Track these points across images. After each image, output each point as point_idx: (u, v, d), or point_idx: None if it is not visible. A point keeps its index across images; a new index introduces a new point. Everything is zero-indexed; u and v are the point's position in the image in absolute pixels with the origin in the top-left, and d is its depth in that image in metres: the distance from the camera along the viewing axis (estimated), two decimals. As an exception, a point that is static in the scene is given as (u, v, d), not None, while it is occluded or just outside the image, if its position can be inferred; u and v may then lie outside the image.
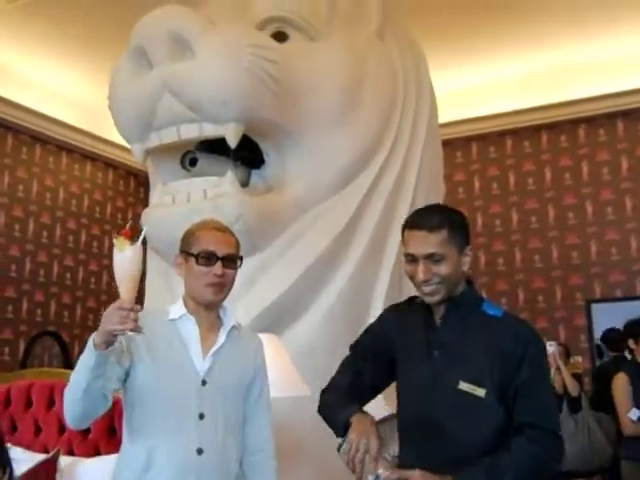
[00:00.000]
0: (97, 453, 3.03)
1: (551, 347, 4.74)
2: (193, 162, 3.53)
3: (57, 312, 7.35)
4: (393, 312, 2.09)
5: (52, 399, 3.22)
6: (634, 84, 6.53)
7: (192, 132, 3.24)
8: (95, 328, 1.78)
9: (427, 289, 1.85)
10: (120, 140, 3.62)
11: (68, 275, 7.54)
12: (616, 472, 4.27)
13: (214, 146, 3.44)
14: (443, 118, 4.51)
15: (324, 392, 1.98)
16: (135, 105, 3.26)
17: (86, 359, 1.79)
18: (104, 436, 3.03)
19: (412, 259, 1.86)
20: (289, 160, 3.45)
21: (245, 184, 3.49)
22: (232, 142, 3.19)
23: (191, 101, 3.13)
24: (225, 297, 2.09)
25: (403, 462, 1.90)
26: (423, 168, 3.86)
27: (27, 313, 7.03)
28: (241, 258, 2.10)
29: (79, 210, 7.75)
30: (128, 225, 1.89)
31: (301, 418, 2.79)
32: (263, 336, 2.33)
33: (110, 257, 1.85)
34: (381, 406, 2.51)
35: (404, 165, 3.76)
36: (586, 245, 6.83)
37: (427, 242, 1.83)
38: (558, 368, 4.71)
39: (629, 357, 4.56)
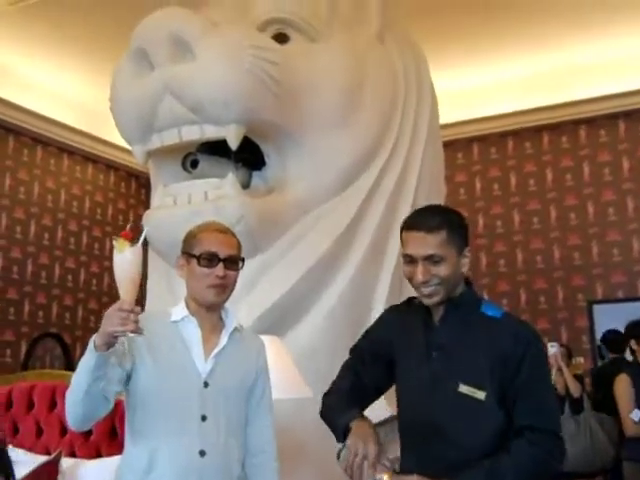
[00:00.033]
0: (98, 455, 3.03)
1: (553, 348, 4.74)
2: (194, 164, 3.53)
3: (59, 314, 7.35)
4: (392, 313, 2.09)
5: (54, 401, 3.22)
6: (636, 85, 6.53)
7: (193, 134, 3.25)
8: (97, 330, 1.78)
9: (426, 290, 1.84)
10: (121, 142, 3.62)
11: (70, 277, 7.54)
12: (618, 473, 4.27)
13: (215, 148, 3.45)
14: (444, 119, 4.51)
15: (325, 396, 1.98)
16: (136, 107, 3.26)
17: (87, 361, 1.79)
18: (105, 438, 3.04)
19: (411, 260, 1.85)
20: (290, 161, 3.45)
21: (246, 186, 3.49)
22: (233, 144, 3.20)
23: (192, 103, 3.14)
24: (227, 299, 2.09)
25: (403, 465, 1.90)
26: (424, 169, 3.85)
27: (29, 315, 7.03)
28: (243, 260, 2.11)
29: (80, 212, 7.75)
30: (128, 227, 1.89)
31: (303, 420, 2.79)
32: (265, 338, 2.33)
33: (111, 259, 1.85)
34: (383, 407, 2.51)
35: (405, 166, 3.76)
36: (588, 246, 6.82)
37: (426, 243, 1.81)
38: (560, 369, 4.71)
39: (630, 358, 4.55)
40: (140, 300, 2.42)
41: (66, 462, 2.94)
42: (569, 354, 5.24)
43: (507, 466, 1.72)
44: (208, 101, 3.11)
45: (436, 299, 1.85)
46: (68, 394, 1.86)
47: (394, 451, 1.96)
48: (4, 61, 6.49)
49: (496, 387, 1.78)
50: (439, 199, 3.95)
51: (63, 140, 7.36)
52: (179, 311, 2.08)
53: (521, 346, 1.79)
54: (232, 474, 2.02)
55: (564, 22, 5.98)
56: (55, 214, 7.43)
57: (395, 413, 2.02)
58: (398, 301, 2.17)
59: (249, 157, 3.50)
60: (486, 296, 6.83)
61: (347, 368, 2.03)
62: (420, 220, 1.86)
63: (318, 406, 1.97)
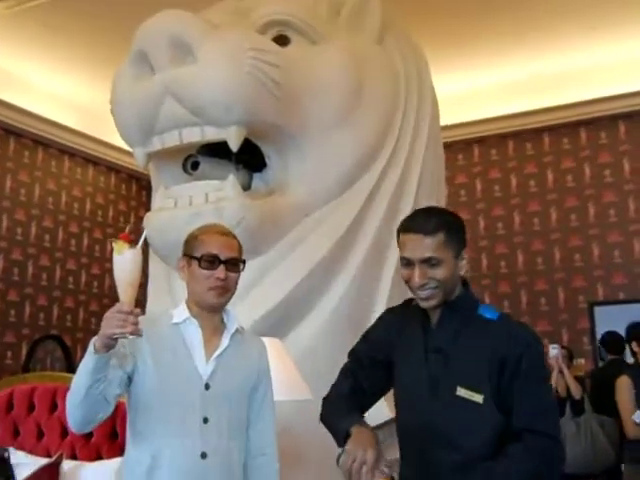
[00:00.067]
0: (99, 457, 3.03)
1: (554, 350, 4.74)
2: (195, 166, 3.53)
3: (60, 316, 7.35)
4: (389, 315, 2.08)
5: (55, 403, 3.22)
6: (636, 86, 6.53)
7: (194, 136, 3.25)
8: (97, 332, 1.78)
9: (423, 294, 1.82)
10: (122, 144, 3.62)
11: (70, 279, 7.54)
12: (618, 475, 4.26)
13: (216, 150, 3.45)
14: (444, 121, 4.51)
15: (325, 401, 1.97)
16: (137, 109, 3.26)
17: (86, 363, 1.79)
18: (106, 440, 3.04)
19: (408, 263, 1.84)
20: (291, 163, 3.45)
21: (247, 187, 3.49)
22: (234, 145, 3.20)
23: (193, 105, 3.14)
24: (228, 301, 2.09)
25: (402, 468, 1.89)
26: (425, 171, 3.85)
27: (30, 317, 7.03)
28: (244, 261, 2.11)
29: (81, 214, 7.76)
30: (127, 228, 1.89)
31: (304, 422, 2.78)
32: (265, 339, 2.33)
33: (112, 261, 1.85)
34: (383, 409, 2.50)
35: (406, 168, 3.75)
36: (589, 247, 6.82)
37: (423, 246, 1.80)
38: (561, 371, 4.71)
39: (631, 360, 4.55)
40: (141, 302, 2.41)
41: (67, 464, 2.93)
42: (570, 356, 5.25)
43: (505, 470, 1.70)
44: (209, 103, 3.11)
45: (433, 302, 1.84)
46: (69, 396, 1.86)
47: (393, 454, 1.95)
48: (5, 63, 6.50)
49: (494, 390, 1.76)
50: (440, 201, 3.95)
51: (64, 142, 7.37)
52: (180, 313, 2.08)
53: (519, 348, 1.78)
54: (234, 476, 2.02)
55: (565, 24, 5.99)
56: (56, 216, 7.44)
57: (394, 416, 2.02)
58: (399, 303, 2.16)
59: (250, 159, 3.50)
60: (487, 298, 6.83)
61: (346, 372, 2.02)
62: (417, 222, 1.85)
63: (318, 408, 1.96)
